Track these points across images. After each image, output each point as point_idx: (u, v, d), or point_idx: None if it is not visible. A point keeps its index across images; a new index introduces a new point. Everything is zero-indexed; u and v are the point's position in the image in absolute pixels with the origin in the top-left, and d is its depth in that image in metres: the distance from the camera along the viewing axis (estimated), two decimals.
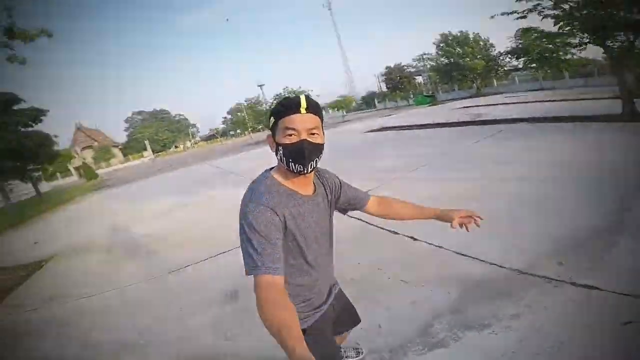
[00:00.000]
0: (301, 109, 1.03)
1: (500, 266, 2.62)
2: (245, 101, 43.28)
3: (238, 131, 59.92)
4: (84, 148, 56.42)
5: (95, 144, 58.66)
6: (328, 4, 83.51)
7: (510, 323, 2.01)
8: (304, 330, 1.04)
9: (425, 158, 7.27)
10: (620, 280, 2.16)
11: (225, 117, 65.73)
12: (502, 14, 9.47)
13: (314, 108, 1.05)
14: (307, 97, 1.05)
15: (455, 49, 37.34)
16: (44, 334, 3.26)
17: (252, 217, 1.01)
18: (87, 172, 33.52)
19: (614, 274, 2.25)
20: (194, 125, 79.70)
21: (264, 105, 38.76)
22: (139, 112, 75.26)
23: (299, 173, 1.07)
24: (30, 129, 17.24)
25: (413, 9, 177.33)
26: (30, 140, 15.83)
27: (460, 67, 36.36)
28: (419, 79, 54.30)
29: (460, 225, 1.37)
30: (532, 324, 1.97)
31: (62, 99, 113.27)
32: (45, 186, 29.89)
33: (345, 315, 1.51)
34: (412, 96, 46.01)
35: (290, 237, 1.11)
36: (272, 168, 1.18)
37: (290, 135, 1.04)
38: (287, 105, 1.05)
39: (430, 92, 43.38)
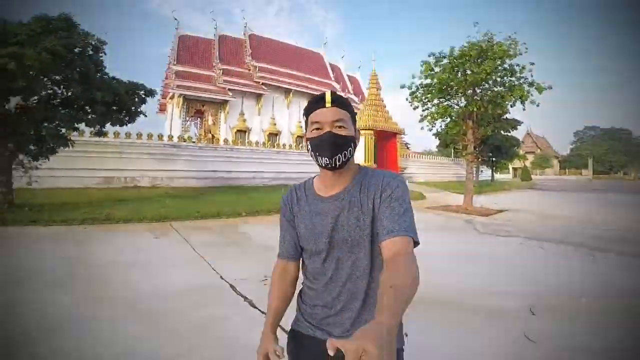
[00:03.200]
0: (326, 103, 1.03)
1: None
2: None
3: None
4: (527, 152, 63.76)
5: (538, 151, 64.20)
6: None
7: None
8: (292, 330, 1.14)
9: None
10: None
11: None
12: None
13: (339, 102, 1.04)
14: (332, 92, 1.05)
15: None
16: None
17: None
18: (524, 173, 40.14)
19: None
20: None
21: None
22: (592, 127, 71.56)
23: (327, 167, 1.04)
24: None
25: None
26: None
27: None
28: None
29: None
30: None
31: None
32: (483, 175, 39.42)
33: None
34: None
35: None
36: None
37: (316, 129, 1.03)
38: (313, 102, 1.06)
39: None
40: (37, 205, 8.40)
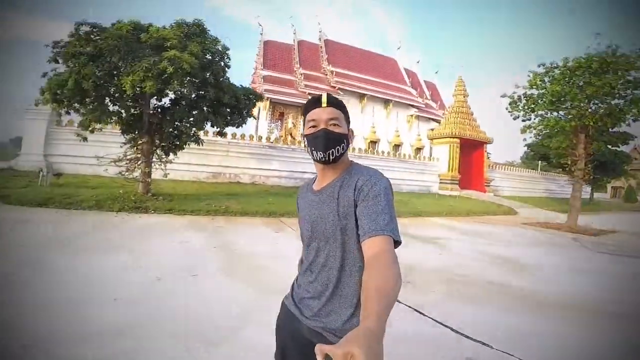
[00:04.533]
0: (322, 103, 1.11)
1: None
2: None
3: None
4: (632, 169, 55.74)
5: None
6: None
7: None
8: (282, 302, 1.27)
9: None
10: None
11: None
12: None
13: (334, 103, 1.13)
14: (329, 94, 1.13)
15: None
16: None
17: None
18: (627, 194, 35.21)
19: None
20: None
21: None
22: None
23: (321, 161, 1.12)
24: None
25: None
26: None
27: None
28: None
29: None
30: None
31: None
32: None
33: None
34: None
35: None
36: None
37: (313, 126, 1.12)
38: (310, 102, 1.14)
39: None
40: (167, 195, 9.64)
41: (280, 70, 26.83)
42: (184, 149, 9.96)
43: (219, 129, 9.93)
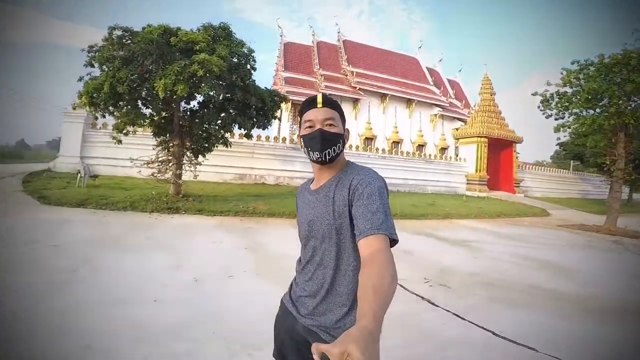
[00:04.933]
0: (318, 104, 1.12)
1: None
2: None
3: None
4: None
5: None
6: None
7: None
8: (281, 299, 1.30)
9: None
10: None
11: None
12: None
13: (330, 103, 1.14)
14: (324, 95, 1.14)
15: None
16: None
17: None
18: None
19: None
20: None
21: None
22: None
23: (318, 161, 1.13)
24: None
25: None
26: None
27: None
28: None
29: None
30: None
31: None
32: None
33: None
34: None
35: None
36: None
37: (309, 127, 1.12)
38: (306, 103, 1.15)
39: None
40: (196, 196, 9.85)
41: (300, 72, 26.96)
42: (212, 151, 10.15)
43: (245, 131, 10.05)
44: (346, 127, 1.19)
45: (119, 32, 8.05)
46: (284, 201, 10.63)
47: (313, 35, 29.11)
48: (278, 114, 11.03)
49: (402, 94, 27.71)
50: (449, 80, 34.57)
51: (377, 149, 18.63)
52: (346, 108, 27.05)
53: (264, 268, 4.62)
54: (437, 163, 19.46)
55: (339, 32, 30.05)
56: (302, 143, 1.16)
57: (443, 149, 27.63)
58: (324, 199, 1.12)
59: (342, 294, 1.09)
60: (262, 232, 7.07)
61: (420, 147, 27.07)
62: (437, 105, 28.67)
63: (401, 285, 4.13)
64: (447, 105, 29.45)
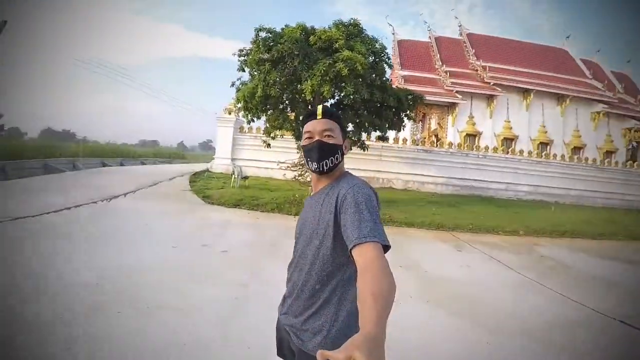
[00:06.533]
0: (317, 115, 1.16)
1: None
2: None
3: None
4: None
5: None
6: None
7: None
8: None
9: None
10: None
11: None
12: None
13: (329, 114, 1.17)
14: (324, 106, 1.17)
15: None
16: None
17: None
18: None
19: None
20: None
21: None
22: None
23: (316, 171, 1.16)
24: None
25: None
26: None
27: None
28: None
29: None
30: None
31: None
32: None
33: None
34: None
35: None
36: None
37: (308, 137, 1.16)
38: (307, 114, 1.21)
39: None
40: None
41: (419, 69, 25.46)
42: (346, 154, 10.02)
43: (381, 133, 9.63)
44: (347, 137, 1.24)
45: (264, 34, 8.03)
46: (420, 209, 9.85)
47: (429, 30, 27.49)
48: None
49: (551, 89, 23.57)
50: (614, 73, 28.05)
51: (521, 151, 16.02)
52: (479, 106, 24.51)
53: (431, 294, 4.03)
54: (613, 171, 15.65)
55: (460, 26, 27.60)
56: (303, 153, 1.22)
57: (609, 153, 22.40)
58: (314, 205, 1.18)
59: (307, 297, 1.13)
60: (408, 245, 6.48)
61: (577, 149, 22.50)
62: (600, 102, 23.46)
63: None
64: (615, 101, 23.83)
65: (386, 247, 0.97)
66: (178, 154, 38.91)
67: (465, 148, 15.88)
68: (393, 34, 27.87)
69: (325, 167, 1.14)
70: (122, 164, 19.29)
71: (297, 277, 1.17)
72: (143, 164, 21.51)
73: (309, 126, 1.18)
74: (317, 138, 1.14)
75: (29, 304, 2.78)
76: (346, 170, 1.23)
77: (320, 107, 1.19)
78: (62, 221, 5.64)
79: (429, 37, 27.65)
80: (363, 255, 0.92)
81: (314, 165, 1.15)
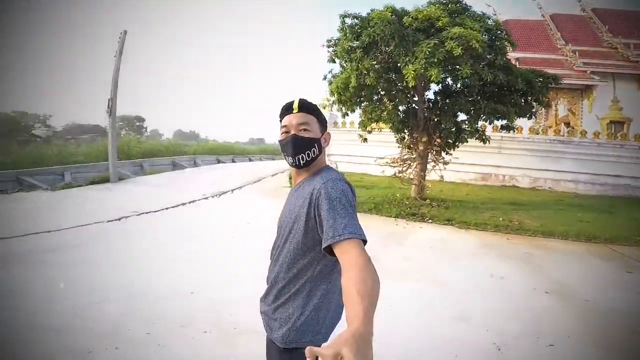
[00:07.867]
0: (293, 109, 1.16)
1: None
2: None
3: None
4: None
5: None
6: None
7: None
8: None
9: None
10: None
11: None
12: None
13: (306, 108, 1.16)
14: (301, 99, 1.17)
15: None
16: None
17: None
18: None
19: None
20: None
21: None
22: None
23: (292, 165, 1.18)
24: None
25: None
26: None
27: None
28: None
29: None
30: None
31: None
32: None
33: None
34: None
35: None
36: None
37: (285, 132, 1.17)
38: (284, 108, 1.19)
39: None
40: (439, 200, 8.43)
41: (535, 50, 21.57)
42: (458, 147, 8.49)
43: (508, 122, 7.85)
44: (327, 131, 1.23)
45: (349, 21, 7.37)
46: (559, 214, 7.78)
47: (540, 8, 23.06)
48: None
49: None
50: None
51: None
52: (626, 88, 19.59)
53: (598, 332, 2.84)
54: None
55: (580, 1, 22.58)
56: (280, 148, 1.20)
57: None
58: (291, 198, 1.19)
59: (281, 288, 1.13)
60: (551, 262, 4.95)
61: None
62: None
63: None
64: None
65: (364, 242, 0.96)
66: (275, 151, 41.31)
67: (615, 137, 12.34)
68: (494, 14, 24.57)
69: (301, 162, 1.14)
70: (233, 161, 21.20)
71: (272, 267, 1.19)
72: (250, 160, 23.06)
73: (285, 120, 1.18)
74: (292, 132, 1.15)
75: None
76: (327, 164, 1.23)
77: (296, 101, 1.17)
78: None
79: (542, 15, 23.69)
80: (345, 253, 0.93)
81: (290, 160, 1.16)
